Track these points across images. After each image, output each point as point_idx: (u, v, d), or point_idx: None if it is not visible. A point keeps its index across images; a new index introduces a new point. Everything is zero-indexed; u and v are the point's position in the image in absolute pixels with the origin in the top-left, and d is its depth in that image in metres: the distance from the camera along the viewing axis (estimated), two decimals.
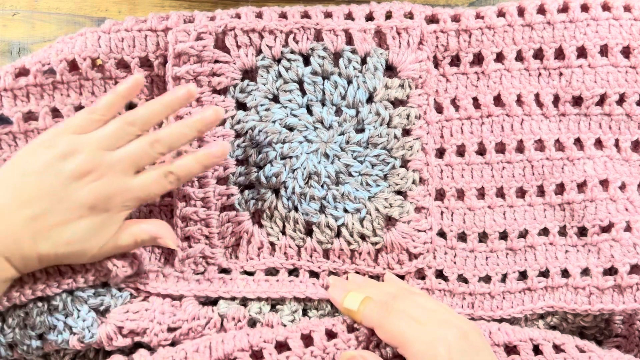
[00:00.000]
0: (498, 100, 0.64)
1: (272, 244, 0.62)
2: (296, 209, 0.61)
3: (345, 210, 0.61)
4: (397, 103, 0.62)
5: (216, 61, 0.60)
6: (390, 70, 0.62)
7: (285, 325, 0.59)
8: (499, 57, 0.63)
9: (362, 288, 0.58)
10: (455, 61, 0.64)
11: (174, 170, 0.55)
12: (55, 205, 0.52)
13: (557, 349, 0.56)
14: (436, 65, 0.64)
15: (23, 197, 0.51)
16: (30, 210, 0.51)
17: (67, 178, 0.52)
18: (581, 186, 0.62)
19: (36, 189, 0.51)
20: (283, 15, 0.62)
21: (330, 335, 0.57)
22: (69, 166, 0.52)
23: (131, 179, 0.54)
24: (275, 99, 0.61)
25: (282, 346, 0.56)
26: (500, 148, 0.63)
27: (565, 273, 0.62)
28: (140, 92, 0.60)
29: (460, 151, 0.64)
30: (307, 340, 0.56)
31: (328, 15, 0.62)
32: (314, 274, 0.63)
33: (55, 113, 0.61)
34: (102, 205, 0.53)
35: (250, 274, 0.62)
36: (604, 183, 0.62)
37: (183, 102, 0.56)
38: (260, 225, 0.62)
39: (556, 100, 0.63)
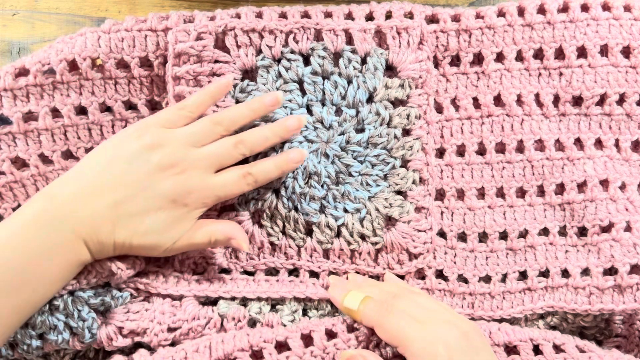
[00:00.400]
0: (498, 100, 0.64)
1: (272, 244, 0.62)
2: (296, 209, 0.61)
3: (345, 210, 0.61)
4: (397, 103, 0.62)
5: (216, 61, 0.61)
6: (390, 70, 0.62)
7: (285, 325, 0.59)
8: (499, 57, 0.63)
9: (362, 287, 0.58)
10: (456, 61, 0.64)
11: (253, 172, 0.57)
12: (138, 194, 0.53)
13: (557, 349, 0.56)
14: (436, 65, 0.64)
15: (108, 184, 0.53)
16: (113, 196, 0.52)
17: (152, 168, 0.54)
18: (581, 186, 0.62)
19: (121, 176, 0.53)
20: (283, 15, 0.62)
21: (330, 335, 0.57)
22: (156, 157, 0.54)
23: (212, 177, 0.56)
24: None
25: (282, 346, 0.56)
26: (500, 148, 0.63)
27: (565, 273, 0.62)
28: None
29: (461, 151, 0.64)
30: (307, 340, 0.56)
31: (328, 15, 0.62)
32: (314, 274, 0.63)
33: (55, 113, 0.61)
34: (181, 199, 0.54)
35: (251, 273, 0.63)
36: (604, 183, 0.62)
37: (269, 108, 0.58)
38: (261, 225, 0.62)
39: (556, 100, 0.63)
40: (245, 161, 0.59)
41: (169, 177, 0.54)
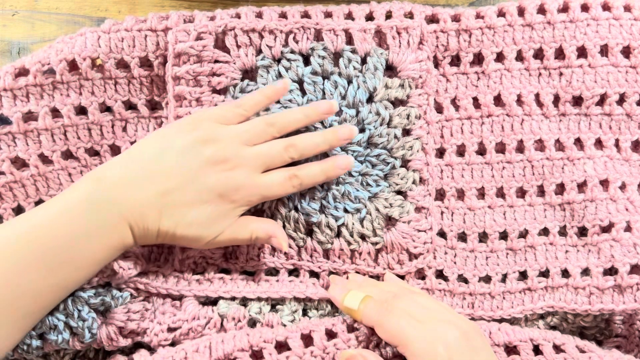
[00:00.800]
0: (498, 100, 0.64)
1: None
2: (296, 209, 0.61)
3: (346, 210, 0.61)
4: (397, 103, 0.62)
5: (216, 61, 0.61)
6: (391, 70, 0.62)
7: (285, 325, 0.59)
8: (499, 57, 0.63)
9: (363, 287, 0.58)
10: (456, 61, 0.64)
11: (299, 175, 0.57)
12: (187, 185, 0.54)
13: (557, 349, 0.56)
14: (436, 65, 0.64)
15: (158, 172, 0.53)
16: (163, 185, 0.53)
17: (204, 162, 0.54)
18: (581, 186, 0.62)
19: (172, 166, 0.54)
20: (283, 15, 0.62)
21: (330, 335, 0.57)
22: (208, 152, 0.55)
23: (259, 176, 0.57)
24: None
25: (282, 346, 0.56)
26: (501, 148, 0.63)
27: (565, 273, 0.62)
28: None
29: (461, 151, 0.64)
30: (307, 340, 0.56)
31: (328, 15, 0.62)
32: (314, 274, 0.63)
33: (55, 113, 0.61)
34: (228, 195, 0.55)
35: (251, 274, 0.62)
36: (604, 183, 0.62)
37: (323, 116, 0.59)
38: None
39: (556, 100, 0.63)
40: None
41: (219, 172, 0.55)
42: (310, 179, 0.58)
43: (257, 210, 0.61)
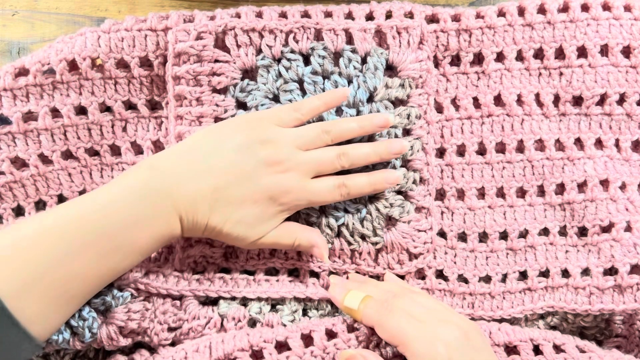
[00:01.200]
0: (498, 100, 0.64)
1: None
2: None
3: (346, 210, 0.61)
4: (397, 103, 0.62)
5: (216, 60, 0.60)
6: (391, 69, 0.62)
7: (285, 325, 0.59)
8: (500, 57, 0.63)
9: (363, 287, 0.58)
10: (456, 61, 0.64)
11: (347, 185, 0.58)
12: (240, 183, 0.54)
13: (557, 349, 0.56)
14: (436, 64, 0.64)
15: (213, 167, 0.54)
16: (216, 180, 0.54)
17: (259, 162, 0.55)
18: (581, 186, 0.62)
19: (228, 163, 0.54)
20: (283, 15, 0.62)
21: (330, 335, 0.57)
22: (264, 152, 0.55)
23: (309, 182, 0.57)
24: (276, 99, 0.61)
25: (282, 346, 0.56)
26: (501, 148, 0.63)
27: (565, 273, 0.62)
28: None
29: (461, 151, 0.64)
30: (307, 340, 0.56)
31: (328, 14, 0.62)
32: (314, 274, 0.63)
33: (55, 113, 0.61)
34: (278, 197, 0.56)
35: (251, 273, 0.62)
36: (604, 183, 0.62)
37: (377, 129, 0.59)
38: None
39: (556, 100, 0.63)
40: None
41: (272, 174, 0.55)
42: (358, 190, 0.59)
43: None
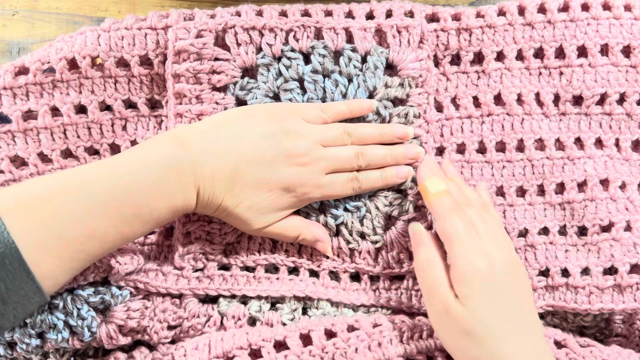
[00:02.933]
0: (498, 99, 0.64)
1: (273, 241, 0.62)
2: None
3: (345, 209, 0.61)
4: (397, 102, 0.62)
5: (216, 59, 0.60)
6: (391, 68, 0.62)
7: (285, 324, 0.59)
8: (500, 56, 0.63)
9: (447, 182, 0.58)
10: (456, 60, 0.64)
11: (360, 179, 0.59)
12: (258, 169, 0.55)
13: (559, 344, 0.56)
14: (436, 64, 0.64)
15: (237, 149, 0.55)
16: (238, 162, 0.55)
17: (281, 152, 0.56)
18: (581, 185, 0.62)
19: (252, 146, 0.55)
20: (283, 14, 0.62)
21: (330, 334, 0.56)
22: (288, 143, 0.56)
23: (324, 176, 0.58)
24: (276, 97, 0.61)
25: (280, 345, 0.56)
26: (501, 147, 0.63)
27: (565, 272, 0.62)
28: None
29: (461, 150, 0.64)
30: (306, 339, 0.56)
31: (328, 13, 0.62)
32: (313, 273, 0.63)
33: (55, 112, 0.61)
34: (293, 189, 0.57)
35: (251, 270, 0.62)
36: (604, 182, 0.62)
37: (396, 140, 0.61)
38: None
39: (556, 99, 0.63)
40: None
41: (291, 165, 0.56)
42: (370, 184, 0.60)
43: None
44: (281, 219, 0.58)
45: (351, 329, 0.57)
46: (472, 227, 0.53)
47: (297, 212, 0.61)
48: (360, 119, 0.61)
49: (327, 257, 0.62)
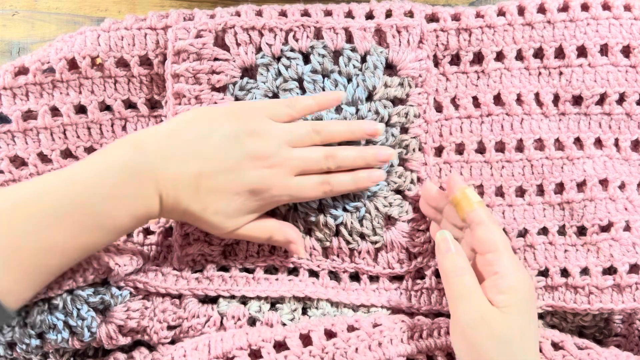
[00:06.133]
0: (498, 99, 0.64)
1: None
2: (296, 208, 0.61)
3: (345, 209, 0.61)
4: (396, 102, 0.62)
5: (216, 59, 0.61)
6: (390, 68, 0.62)
7: (285, 324, 0.59)
8: (499, 56, 0.63)
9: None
10: (456, 60, 0.64)
11: (331, 182, 0.58)
12: (224, 173, 0.54)
13: (556, 346, 0.56)
14: (436, 64, 0.64)
15: (199, 153, 0.53)
16: (201, 166, 0.53)
17: (246, 154, 0.54)
18: (581, 185, 0.62)
19: (215, 150, 0.54)
20: (283, 13, 0.62)
21: (330, 335, 0.56)
22: (252, 145, 0.55)
23: (292, 178, 0.57)
24: (275, 97, 0.61)
25: (280, 345, 0.56)
26: (500, 147, 0.63)
27: (564, 272, 0.61)
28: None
29: (460, 150, 0.64)
30: (306, 339, 0.56)
31: (328, 13, 0.62)
32: (313, 273, 0.63)
33: (55, 112, 0.61)
34: (259, 192, 0.55)
35: (250, 271, 0.62)
36: (604, 182, 0.62)
37: (366, 136, 0.59)
38: None
39: (556, 99, 0.63)
40: None
41: (257, 168, 0.55)
42: (341, 187, 0.58)
43: None
44: (251, 221, 0.57)
45: (351, 329, 0.57)
46: (508, 245, 0.54)
47: (295, 212, 0.61)
48: (359, 120, 0.61)
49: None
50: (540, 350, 0.55)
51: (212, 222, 0.55)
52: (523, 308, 0.51)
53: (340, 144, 0.60)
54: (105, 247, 0.54)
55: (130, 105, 0.63)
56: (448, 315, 0.55)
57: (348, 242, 0.61)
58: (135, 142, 0.53)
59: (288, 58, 0.61)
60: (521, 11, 0.62)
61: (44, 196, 0.49)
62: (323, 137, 0.58)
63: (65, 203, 0.49)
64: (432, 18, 0.63)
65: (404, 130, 0.62)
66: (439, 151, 0.64)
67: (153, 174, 0.52)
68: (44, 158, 0.62)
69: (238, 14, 0.61)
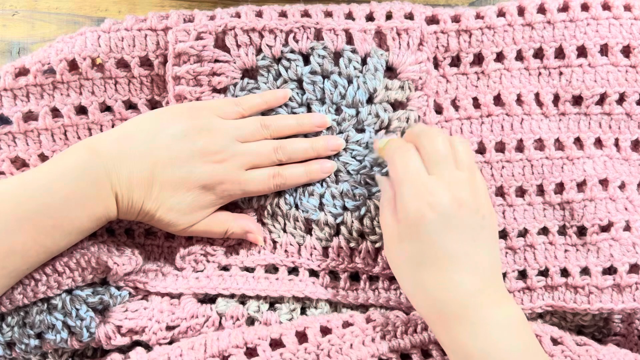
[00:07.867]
0: (498, 100, 0.64)
1: (273, 241, 0.62)
2: (297, 207, 0.61)
3: (345, 208, 0.61)
4: (396, 105, 0.62)
5: (216, 60, 0.61)
6: (390, 71, 0.62)
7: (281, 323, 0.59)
8: (499, 57, 0.63)
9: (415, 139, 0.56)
10: (455, 61, 0.64)
11: (283, 175, 0.59)
12: (174, 170, 0.55)
13: (555, 342, 0.56)
14: (436, 65, 0.64)
15: (151, 152, 0.55)
16: (152, 166, 0.55)
17: (196, 151, 0.56)
18: (581, 185, 0.62)
19: (164, 149, 0.55)
20: (283, 15, 0.62)
21: (325, 331, 0.56)
22: (201, 142, 0.56)
23: (244, 172, 0.58)
24: None
25: (276, 343, 0.56)
26: (500, 147, 0.63)
27: (564, 272, 0.61)
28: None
29: None
30: (302, 337, 0.56)
31: (328, 14, 0.62)
32: (313, 273, 0.63)
33: (55, 113, 0.61)
34: (212, 187, 0.57)
35: (250, 270, 0.62)
36: (604, 182, 0.62)
37: (316, 128, 0.61)
38: (262, 223, 0.62)
39: (556, 99, 0.63)
40: None
41: (207, 163, 0.56)
42: (294, 179, 0.60)
43: (260, 207, 0.62)
44: (205, 216, 0.58)
45: (346, 324, 0.57)
46: (423, 169, 0.52)
47: (297, 211, 0.61)
48: (358, 123, 0.61)
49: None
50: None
51: (167, 219, 0.56)
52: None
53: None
54: (67, 248, 0.55)
55: (131, 106, 0.63)
56: None
57: (348, 241, 0.61)
58: (89, 146, 0.54)
59: (288, 59, 0.61)
60: (521, 11, 0.62)
61: (2, 200, 0.50)
62: (272, 131, 0.59)
63: (24, 207, 0.50)
64: (432, 20, 0.63)
65: (404, 133, 0.62)
66: None
67: (107, 176, 0.53)
68: (45, 159, 0.61)
69: (238, 15, 0.61)
